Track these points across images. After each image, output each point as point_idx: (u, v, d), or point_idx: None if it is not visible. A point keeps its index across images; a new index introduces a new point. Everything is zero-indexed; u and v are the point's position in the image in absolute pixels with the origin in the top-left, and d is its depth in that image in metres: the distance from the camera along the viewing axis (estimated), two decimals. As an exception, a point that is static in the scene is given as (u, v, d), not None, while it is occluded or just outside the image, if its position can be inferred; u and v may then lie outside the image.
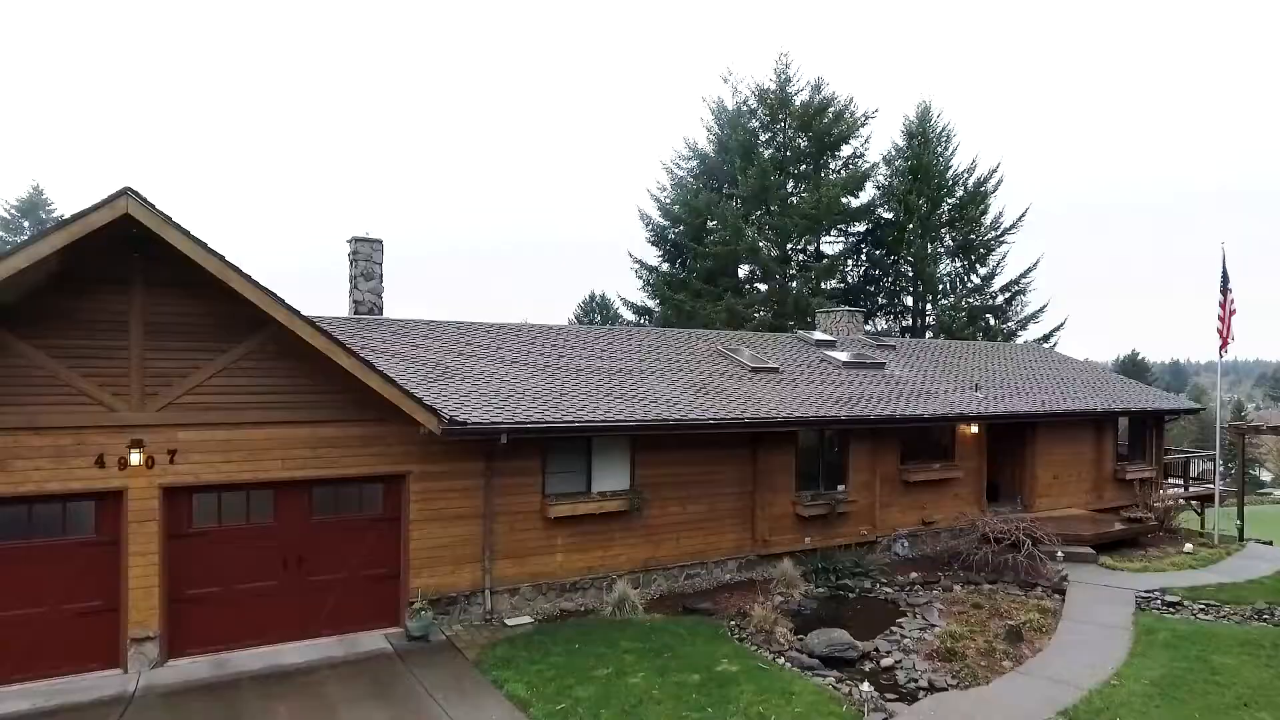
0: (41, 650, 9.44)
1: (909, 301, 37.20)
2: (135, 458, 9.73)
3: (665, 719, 8.54)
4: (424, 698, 9.15)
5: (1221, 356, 18.39)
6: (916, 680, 9.78)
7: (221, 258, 9.38)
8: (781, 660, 10.29)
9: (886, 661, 10.31)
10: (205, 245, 9.28)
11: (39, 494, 9.38)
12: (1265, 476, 62.23)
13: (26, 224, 43.34)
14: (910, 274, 35.99)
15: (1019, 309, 36.46)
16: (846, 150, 35.78)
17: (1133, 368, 66.78)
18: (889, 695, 9.33)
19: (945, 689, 9.54)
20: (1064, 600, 13.03)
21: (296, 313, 9.92)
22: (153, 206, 8.98)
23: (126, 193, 8.80)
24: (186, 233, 9.17)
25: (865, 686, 8.95)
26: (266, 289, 9.68)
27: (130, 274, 9.70)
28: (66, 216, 8.59)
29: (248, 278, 9.54)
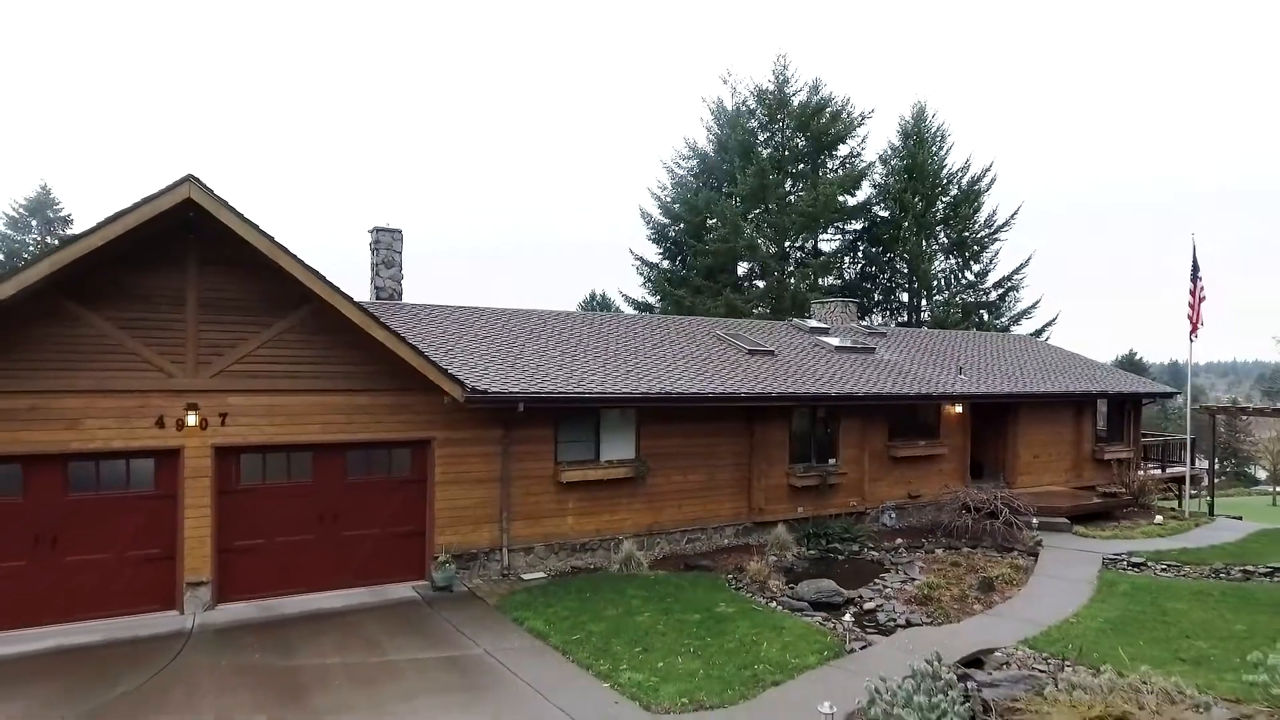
0: (108, 591, 10.51)
1: (904, 297, 38.30)
2: (191, 419, 10.81)
3: (670, 646, 9.60)
4: (453, 632, 10.21)
5: (1192, 341, 19.48)
6: (895, 620, 10.85)
7: (271, 238, 10.46)
8: (774, 604, 11.37)
9: (869, 606, 11.38)
10: (257, 227, 10.36)
11: (106, 450, 10.46)
12: (1260, 475, 62.82)
13: (34, 223, 44.43)
14: (905, 270, 37.08)
15: (1012, 305, 37.57)
16: (843, 150, 36.97)
17: (1130, 368, 67.56)
18: (869, 630, 10.41)
19: (920, 625, 10.63)
20: (1036, 560, 14.08)
21: (337, 289, 10.99)
22: (211, 191, 10.06)
23: (189, 179, 9.89)
24: (240, 215, 10.24)
25: (848, 620, 10.00)
26: (311, 268, 10.77)
27: (186, 254, 10.79)
28: (136, 200, 9.65)
29: (295, 257, 10.62)
